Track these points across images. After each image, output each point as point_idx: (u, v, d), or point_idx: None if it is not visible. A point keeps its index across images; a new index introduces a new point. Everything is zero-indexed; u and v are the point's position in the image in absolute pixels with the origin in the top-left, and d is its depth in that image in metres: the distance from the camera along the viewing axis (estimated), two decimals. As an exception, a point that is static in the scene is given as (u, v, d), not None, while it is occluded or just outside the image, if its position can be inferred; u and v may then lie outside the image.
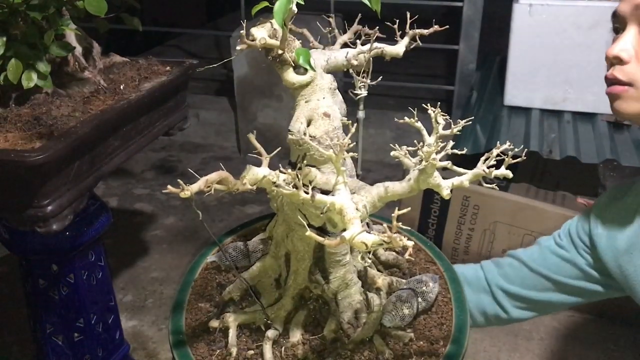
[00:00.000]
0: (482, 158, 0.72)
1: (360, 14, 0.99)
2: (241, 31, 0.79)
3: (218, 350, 0.92)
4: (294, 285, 0.95)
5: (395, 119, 0.78)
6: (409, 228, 1.19)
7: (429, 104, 0.75)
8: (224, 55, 3.27)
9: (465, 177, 0.72)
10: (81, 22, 1.10)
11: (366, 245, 0.58)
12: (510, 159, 0.72)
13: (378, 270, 1.05)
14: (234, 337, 0.93)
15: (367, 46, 0.94)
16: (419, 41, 0.94)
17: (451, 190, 0.73)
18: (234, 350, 0.91)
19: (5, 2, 0.92)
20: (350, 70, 0.94)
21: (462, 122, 0.75)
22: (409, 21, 0.94)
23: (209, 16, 4.31)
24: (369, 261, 1.04)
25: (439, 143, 0.72)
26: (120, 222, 2.20)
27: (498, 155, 0.73)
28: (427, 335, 0.93)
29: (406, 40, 0.95)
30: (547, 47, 1.83)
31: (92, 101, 1.05)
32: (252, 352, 0.92)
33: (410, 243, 0.57)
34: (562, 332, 1.63)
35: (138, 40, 3.51)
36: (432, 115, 0.74)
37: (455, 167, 0.72)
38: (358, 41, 0.97)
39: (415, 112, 0.78)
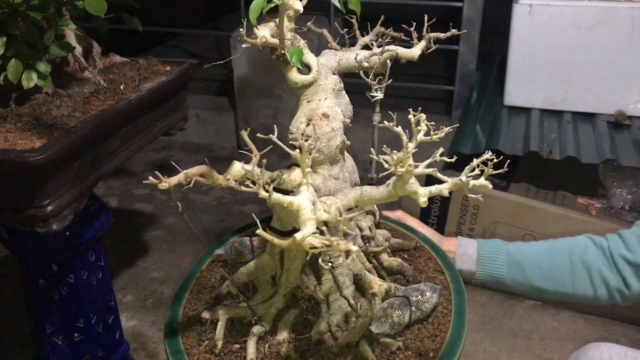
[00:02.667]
0: (467, 168, 0.71)
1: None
2: (240, 29, 0.79)
3: (207, 341, 0.94)
4: (285, 284, 0.96)
5: (384, 123, 0.77)
6: (424, 235, 1.19)
7: (410, 109, 0.74)
8: (224, 55, 3.27)
9: (444, 186, 0.71)
10: (81, 22, 1.10)
11: (315, 247, 0.58)
12: (491, 169, 0.71)
13: (380, 276, 1.05)
14: (221, 330, 0.94)
15: (379, 48, 0.94)
16: (432, 44, 0.94)
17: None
18: (219, 343, 0.93)
19: (5, 2, 0.92)
20: (361, 73, 0.94)
21: (446, 129, 0.75)
22: (426, 23, 0.93)
23: (209, 16, 4.30)
24: (362, 264, 1.03)
25: (416, 149, 0.71)
26: (120, 222, 2.20)
27: (496, 157, 0.73)
28: (417, 345, 0.92)
29: (423, 43, 0.94)
30: (547, 47, 1.83)
31: (92, 101, 1.05)
32: (238, 346, 0.94)
33: (354, 248, 0.57)
34: (562, 332, 1.63)
35: (138, 40, 3.51)
36: (412, 120, 0.72)
37: (439, 175, 0.71)
38: (374, 43, 0.97)
39: (395, 116, 0.77)
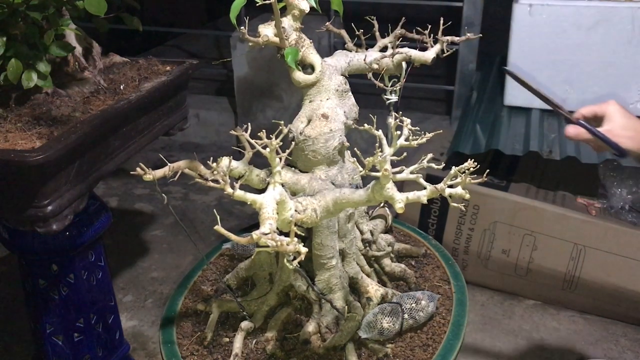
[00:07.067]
0: (446, 177, 0.70)
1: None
2: (241, 28, 0.79)
3: (199, 332, 0.95)
4: (279, 282, 0.96)
5: (364, 126, 0.77)
6: (437, 243, 1.17)
7: (400, 112, 0.73)
8: (224, 55, 3.27)
9: (422, 193, 0.70)
10: (81, 22, 1.10)
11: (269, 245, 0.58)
12: (470, 178, 0.70)
13: (381, 281, 1.05)
14: (212, 323, 0.96)
15: (390, 51, 0.93)
16: (445, 49, 0.92)
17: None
18: (209, 335, 0.94)
19: (5, 2, 0.92)
20: (370, 75, 0.94)
21: (429, 135, 0.74)
22: (442, 27, 0.91)
23: (209, 16, 4.30)
24: (360, 268, 1.03)
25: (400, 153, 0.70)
26: (120, 222, 2.20)
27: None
28: (407, 354, 0.91)
29: (438, 47, 0.93)
30: (547, 47, 1.83)
31: (92, 101, 1.05)
32: (227, 339, 0.95)
33: (304, 249, 0.56)
34: (562, 332, 1.63)
35: (138, 40, 3.51)
36: (392, 124, 0.72)
37: (422, 181, 0.71)
38: (389, 44, 0.96)
39: (375, 119, 0.77)
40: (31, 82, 0.96)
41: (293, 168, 0.91)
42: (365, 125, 0.74)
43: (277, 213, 0.65)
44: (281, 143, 0.67)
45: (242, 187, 0.66)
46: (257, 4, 0.76)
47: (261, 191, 0.67)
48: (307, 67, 0.89)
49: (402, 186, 0.71)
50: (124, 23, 1.18)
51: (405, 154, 0.73)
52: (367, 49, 0.98)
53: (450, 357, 0.90)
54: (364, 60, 0.93)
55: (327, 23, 1.01)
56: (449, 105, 2.73)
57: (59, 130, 0.93)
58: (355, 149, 0.76)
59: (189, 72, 1.22)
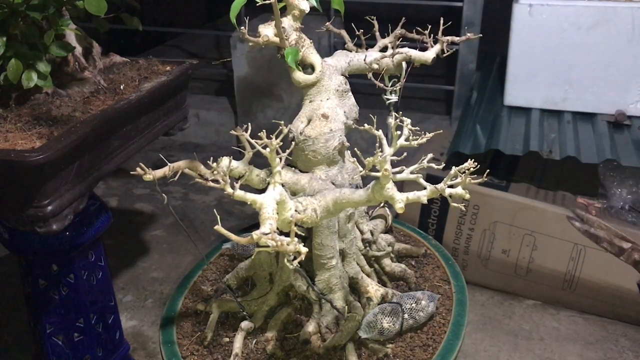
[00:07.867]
0: (446, 177, 0.70)
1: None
2: (241, 28, 0.79)
3: (199, 332, 0.95)
4: (279, 282, 0.97)
5: (364, 126, 0.77)
6: (437, 243, 1.17)
7: (400, 112, 0.74)
8: (224, 55, 3.27)
9: (423, 193, 0.70)
10: (81, 22, 1.10)
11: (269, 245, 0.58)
12: (470, 178, 0.70)
13: (381, 281, 1.05)
14: (212, 323, 0.96)
15: (390, 51, 0.93)
16: (445, 49, 0.93)
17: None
18: (209, 335, 0.95)
19: (5, 2, 0.92)
20: (370, 75, 0.94)
21: (429, 135, 0.74)
22: (442, 27, 0.91)
23: (209, 16, 4.30)
24: (360, 268, 1.03)
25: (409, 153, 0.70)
26: (120, 222, 2.20)
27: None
28: (407, 354, 0.91)
29: (438, 47, 0.93)
30: (547, 47, 1.83)
31: (92, 101, 1.05)
32: (227, 339, 0.95)
33: (304, 249, 0.56)
34: (562, 332, 1.63)
35: (138, 40, 3.51)
36: (392, 124, 0.72)
37: (422, 181, 0.71)
38: (389, 44, 0.96)
39: (375, 119, 0.77)
40: (31, 82, 0.96)
41: (293, 168, 0.91)
42: (365, 125, 0.75)
43: (277, 213, 0.65)
44: (281, 143, 0.67)
45: (242, 187, 0.66)
46: (257, 4, 0.76)
47: (261, 191, 0.67)
48: (307, 67, 0.89)
49: (402, 186, 0.71)
50: (124, 23, 1.18)
51: (405, 154, 0.73)
52: (367, 49, 0.98)
53: (450, 357, 0.90)
54: (364, 60, 0.93)
55: (327, 23, 1.01)
56: (449, 105, 2.73)
57: (59, 130, 0.93)
58: (355, 149, 0.76)
59: (189, 72, 1.22)
